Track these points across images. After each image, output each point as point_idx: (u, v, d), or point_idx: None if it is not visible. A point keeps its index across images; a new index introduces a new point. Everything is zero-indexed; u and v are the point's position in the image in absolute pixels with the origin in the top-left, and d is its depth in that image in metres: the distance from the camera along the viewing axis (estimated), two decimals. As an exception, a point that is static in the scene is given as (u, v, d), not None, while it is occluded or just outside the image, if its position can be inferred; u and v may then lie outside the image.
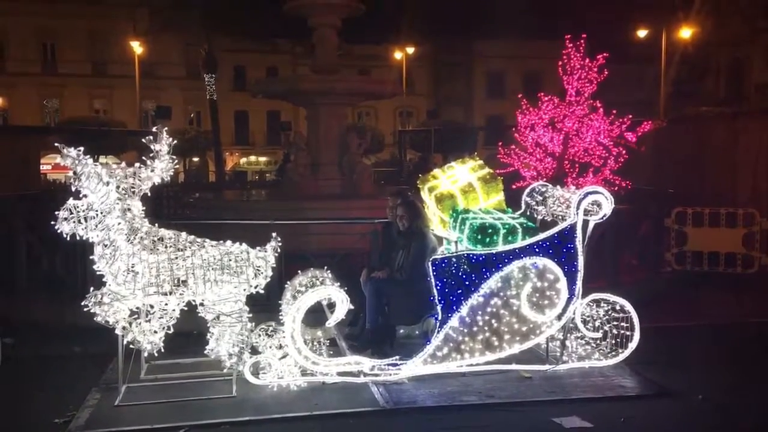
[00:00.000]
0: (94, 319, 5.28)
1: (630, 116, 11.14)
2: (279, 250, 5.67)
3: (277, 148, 43.63)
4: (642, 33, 34.31)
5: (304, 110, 14.85)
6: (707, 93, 51.95)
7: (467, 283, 5.83)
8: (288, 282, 6.09)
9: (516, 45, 45.52)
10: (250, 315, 5.61)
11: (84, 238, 5.25)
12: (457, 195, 6.61)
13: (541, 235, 6.02)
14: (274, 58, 44.03)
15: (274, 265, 5.67)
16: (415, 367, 5.78)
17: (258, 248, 5.61)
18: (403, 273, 6.49)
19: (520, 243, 5.97)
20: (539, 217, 6.50)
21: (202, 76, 33.94)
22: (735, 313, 8.72)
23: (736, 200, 12.04)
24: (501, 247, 5.94)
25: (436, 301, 5.81)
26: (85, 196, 5.25)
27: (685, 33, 31.94)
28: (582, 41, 10.79)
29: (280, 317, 5.76)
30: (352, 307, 5.75)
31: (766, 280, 10.11)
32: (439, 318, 5.82)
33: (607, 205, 6.00)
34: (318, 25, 12.39)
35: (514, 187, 9.30)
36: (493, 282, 5.84)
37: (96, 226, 5.23)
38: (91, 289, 5.33)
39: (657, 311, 7.86)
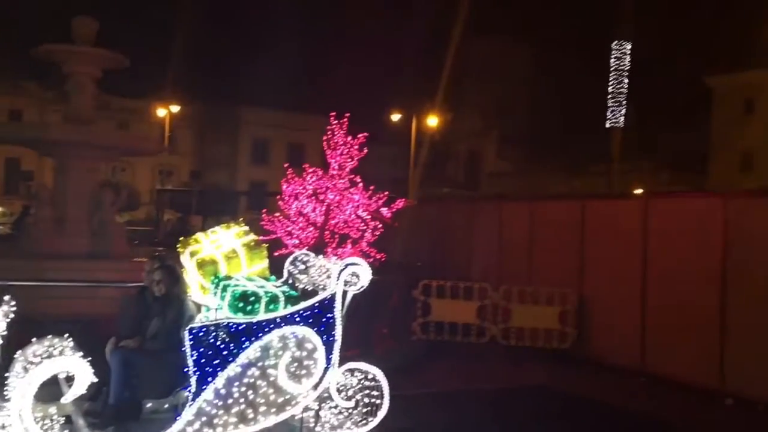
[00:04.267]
0: None
1: (386, 193, 11.97)
2: (11, 316, 5.03)
3: (15, 198, 39.17)
4: (396, 117, 37.32)
5: (51, 160, 13.59)
6: (449, 177, 57.95)
7: (225, 352, 5.65)
8: (20, 352, 5.38)
9: (281, 115, 46.83)
10: (-30, 391, 4.84)
11: None
12: (220, 261, 6.45)
13: (303, 305, 6.09)
14: (19, 100, 40.01)
15: (5, 333, 5.00)
16: (163, 444, 5.39)
17: (-16, 313, 4.92)
18: (156, 342, 6.11)
19: (281, 312, 5.97)
20: (301, 286, 6.58)
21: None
22: (471, 380, 9.55)
23: (471, 275, 13.38)
24: (262, 316, 5.88)
25: (191, 372, 5.54)
26: None
27: (432, 122, 35.50)
28: (345, 119, 11.46)
29: (6, 393, 5.05)
30: (95, 379, 5.24)
31: (496, 350, 11.27)
32: (193, 390, 5.54)
33: (366, 277, 6.26)
34: (74, 72, 11.56)
35: (276, 254, 9.37)
36: (252, 351, 5.73)
37: None
38: None
39: (405, 379, 8.28)
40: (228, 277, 6.33)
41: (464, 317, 11.42)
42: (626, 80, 37.87)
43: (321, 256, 6.81)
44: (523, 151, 54.49)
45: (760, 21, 24.72)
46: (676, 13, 48.54)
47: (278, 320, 5.89)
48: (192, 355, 5.54)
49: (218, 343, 5.62)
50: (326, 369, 6.10)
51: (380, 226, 11.46)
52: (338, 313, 6.20)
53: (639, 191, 21.62)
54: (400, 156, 50.05)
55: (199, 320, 6.10)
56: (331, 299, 6.18)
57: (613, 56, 37.81)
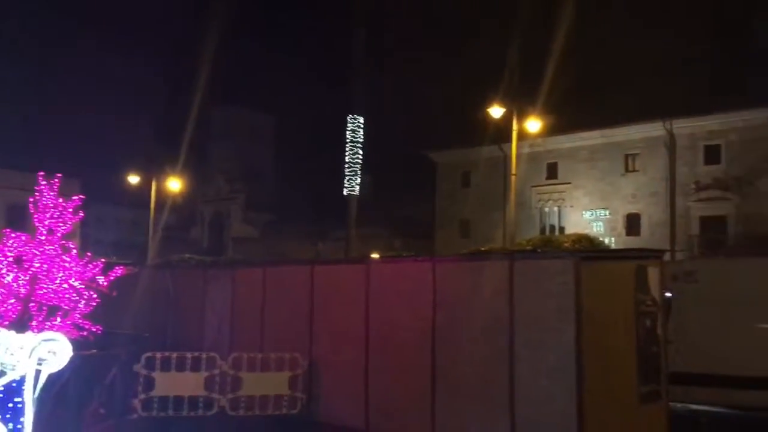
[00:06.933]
0: None
1: (103, 260, 11.16)
2: None
3: None
4: (134, 179, 35.57)
5: None
6: (194, 241, 56.27)
7: None
8: None
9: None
10: None
11: None
12: None
13: (-20, 390, 5.32)
14: None
15: None
16: None
17: None
18: None
19: (-51, 400, 5.15)
20: (-15, 368, 5.75)
21: None
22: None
23: (204, 344, 12.91)
24: None
25: None
26: None
27: (174, 185, 34.41)
28: (57, 180, 10.52)
29: None
30: None
31: (225, 421, 10.89)
32: None
33: (65, 353, 5.70)
34: None
35: (-36, 332, 8.10)
36: None
37: None
38: None
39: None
40: None
41: (191, 390, 10.88)
42: (361, 151, 40.60)
43: (13, 332, 6.05)
44: (269, 216, 55.15)
45: (475, 105, 28.61)
46: (406, 92, 53.73)
47: (-56, 411, 5.08)
48: None
49: None
50: (9, 462, 5.36)
51: (96, 295, 10.57)
52: (29, 396, 5.54)
53: (375, 255, 22.93)
54: (141, 220, 47.46)
55: None
56: (20, 381, 5.50)
57: (348, 129, 40.38)
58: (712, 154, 31.92)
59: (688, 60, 32.24)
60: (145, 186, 35.32)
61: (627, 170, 34.46)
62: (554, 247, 20.92)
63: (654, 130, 33.04)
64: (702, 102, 30.62)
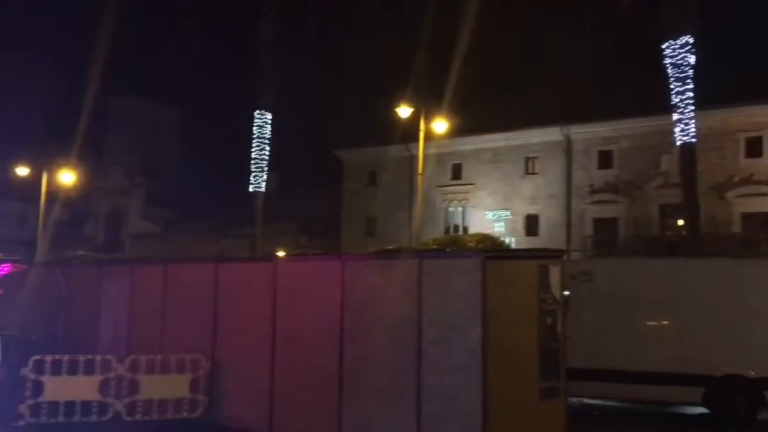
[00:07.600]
0: None
1: (-13, 258, 10.43)
2: None
3: None
4: (23, 171, 33.49)
5: None
6: (88, 237, 53.64)
7: None
8: None
9: None
10: None
11: None
12: None
13: None
14: None
15: None
16: None
17: None
18: None
19: None
20: None
21: None
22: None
23: (99, 346, 12.30)
24: None
25: None
26: None
27: (67, 178, 32.65)
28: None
29: None
30: None
31: (122, 427, 10.40)
32: None
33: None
34: None
35: None
36: None
37: None
38: None
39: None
40: None
41: (84, 394, 10.31)
42: (268, 148, 39.91)
43: None
44: (171, 213, 53.34)
45: (383, 105, 28.81)
46: (314, 89, 53.38)
47: None
48: None
49: None
50: None
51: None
52: None
53: (281, 253, 22.62)
54: (30, 214, 44.69)
55: None
56: None
57: (255, 124, 39.64)
58: (605, 159, 33.55)
59: (589, 66, 33.70)
60: (35, 178, 33.27)
61: (527, 172, 35.66)
62: (459, 246, 21.40)
63: (552, 134, 34.38)
64: (600, 108, 32.12)
